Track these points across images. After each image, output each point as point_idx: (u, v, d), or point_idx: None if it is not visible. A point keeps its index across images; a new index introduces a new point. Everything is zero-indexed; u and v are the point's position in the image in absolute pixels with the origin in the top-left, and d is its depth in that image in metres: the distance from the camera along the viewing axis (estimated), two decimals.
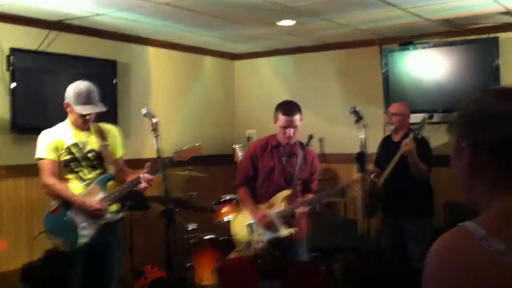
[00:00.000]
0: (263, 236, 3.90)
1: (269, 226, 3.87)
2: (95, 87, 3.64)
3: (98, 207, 3.53)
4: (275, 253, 3.84)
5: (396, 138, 4.71)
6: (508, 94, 1.16)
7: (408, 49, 5.57)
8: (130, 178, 3.70)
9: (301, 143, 4.00)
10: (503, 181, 1.13)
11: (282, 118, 3.82)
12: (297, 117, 3.82)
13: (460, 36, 5.33)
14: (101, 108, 3.62)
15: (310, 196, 3.99)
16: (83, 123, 3.62)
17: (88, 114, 3.58)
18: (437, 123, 5.07)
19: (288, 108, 3.85)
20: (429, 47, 5.46)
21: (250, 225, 3.95)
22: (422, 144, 4.49)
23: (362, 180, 3.97)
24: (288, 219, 3.90)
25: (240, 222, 4.03)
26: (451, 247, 1.10)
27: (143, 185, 3.61)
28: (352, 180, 4.06)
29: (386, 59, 5.68)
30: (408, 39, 5.57)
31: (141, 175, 3.61)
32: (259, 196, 4.01)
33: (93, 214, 3.53)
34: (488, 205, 1.14)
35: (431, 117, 4.67)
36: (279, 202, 3.90)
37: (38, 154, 3.62)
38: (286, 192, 3.90)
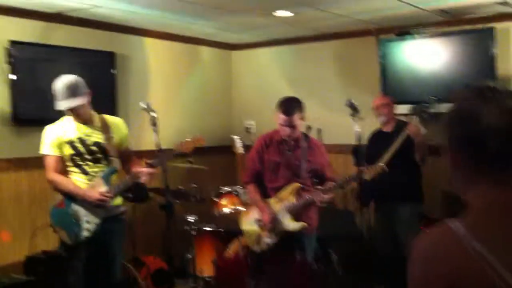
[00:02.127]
0: (273, 232, 3.88)
1: (273, 226, 3.84)
2: (75, 79, 3.59)
3: (99, 197, 3.57)
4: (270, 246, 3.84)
5: (387, 129, 4.77)
6: (477, 93, 1.23)
7: (405, 39, 5.57)
8: (135, 168, 3.71)
9: (304, 134, 3.99)
10: (476, 172, 1.22)
11: (281, 116, 3.82)
12: (295, 116, 3.80)
13: (457, 26, 5.34)
14: (75, 103, 3.54)
15: (329, 183, 3.89)
16: (76, 117, 3.63)
17: (71, 109, 3.57)
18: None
19: (287, 107, 3.83)
20: (426, 37, 5.47)
21: (259, 220, 3.92)
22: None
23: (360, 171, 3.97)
24: (300, 211, 3.86)
25: (250, 217, 4.02)
26: (433, 243, 1.19)
27: (143, 179, 3.64)
28: (370, 166, 4.02)
29: (383, 49, 5.69)
30: (405, 29, 5.59)
31: (140, 170, 3.63)
32: (269, 190, 3.98)
33: (96, 204, 3.58)
34: (467, 195, 1.23)
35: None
36: (287, 196, 3.88)
37: (42, 150, 3.67)
38: (294, 185, 3.87)
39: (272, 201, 3.93)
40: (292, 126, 3.80)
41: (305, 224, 3.85)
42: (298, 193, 3.88)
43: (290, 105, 3.83)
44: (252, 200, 4.06)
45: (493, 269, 1.09)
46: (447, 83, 5.23)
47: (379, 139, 4.72)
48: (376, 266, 4.36)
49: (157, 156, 3.64)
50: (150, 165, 3.64)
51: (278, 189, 3.92)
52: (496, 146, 1.17)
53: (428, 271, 1.15)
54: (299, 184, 3.87)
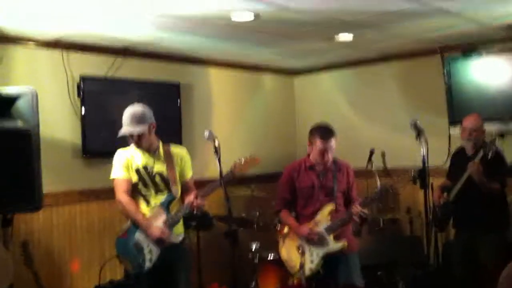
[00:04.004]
0: (315, 255, 3.92)
1: (318, 240, 3.91)
2: (142, 109, 3.72)
3: (159, 236, 3.64)
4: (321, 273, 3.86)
5: (469, 151, 4.55)
6: None
7: (471, 56, 5.42)
8: (187, 199, 3.80)
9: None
10: None
11: (319, 142, 4.00)
12: (333, 140, 4.00)
13: None
14: (134, 131, 3.65)
15: (364, 198, 4.07)
16: (137, 145, 3.74)
17: (131, 136, 3.68)
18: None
19: (326, 132, 4.03)
20: (494, 54, 5.30)
21: (299, 246, 3.91)
22: (495, 160, 4.33)
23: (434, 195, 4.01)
24: (339, 228, 3.97)
25: (289, 246, 4.06)
26: None
27: (196, 209, 3.74)
28: (394, 182, 4.03)
29: (448, 67, 5.56)
30: (471, 46, 5.43)
31: (190, 200, 3.72)
32: (303, 218, 4.08)
33: (155, 241, 3.65)
34: None
35: (502, 136, 4.53)
36: (324, 218, 3.98)
37: (113, 174, 3.78)
38: (329, 206, 4.00)
39: (309, 225, 4.00)
40: (331, 150, 3.98)
41: (345, 243, 3.92)
42: (333, 214, 3.99)
43: (327, 130, 4.05)
44: (287, 224, 4.15)
45: None
46: None
47: (460, 160, 4.53)
48: None
49: (207, 186, 3.76)
50: (201, 196, 3.72)
51: (314, 213, 4.02)
52: None
53: None
54: (333, 205, 3.99)
